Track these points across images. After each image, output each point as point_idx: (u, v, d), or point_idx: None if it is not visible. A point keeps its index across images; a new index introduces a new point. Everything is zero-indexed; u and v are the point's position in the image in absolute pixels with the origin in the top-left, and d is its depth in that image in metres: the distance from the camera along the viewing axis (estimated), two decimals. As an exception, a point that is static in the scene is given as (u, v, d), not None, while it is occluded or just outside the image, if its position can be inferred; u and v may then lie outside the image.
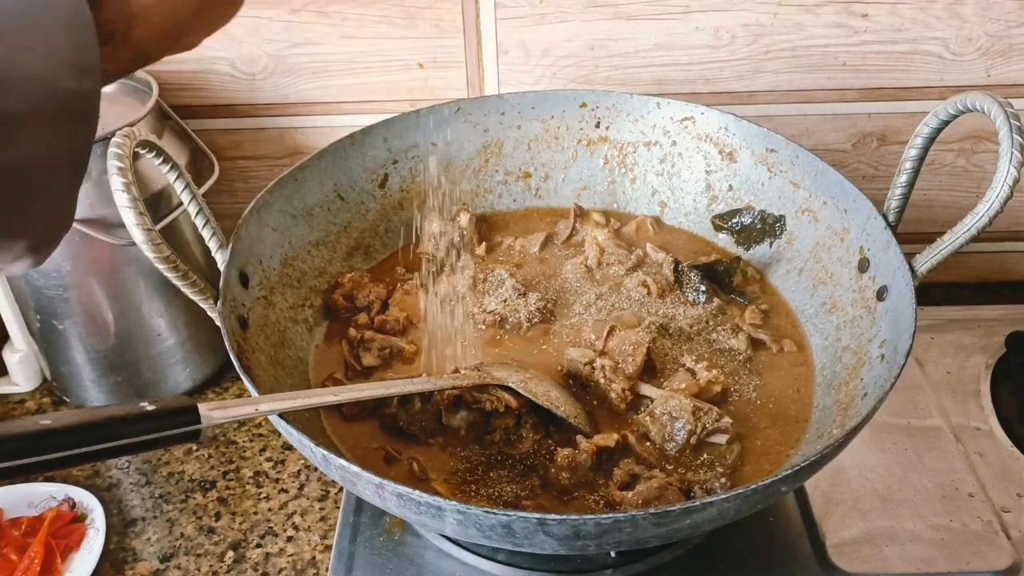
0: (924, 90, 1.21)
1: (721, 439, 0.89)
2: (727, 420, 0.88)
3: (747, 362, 0.98)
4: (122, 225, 0.80)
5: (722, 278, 1.06)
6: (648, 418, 0.90)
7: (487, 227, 1.17)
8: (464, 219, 1.12)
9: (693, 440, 0.88)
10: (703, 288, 1.03)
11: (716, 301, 1.04)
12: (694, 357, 0.96)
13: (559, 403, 0.89)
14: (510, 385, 0.89)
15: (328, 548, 1.00)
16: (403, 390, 0.88)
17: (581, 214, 1.16)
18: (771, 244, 1.09)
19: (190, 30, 0.60)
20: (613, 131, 1.16)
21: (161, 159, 0.86)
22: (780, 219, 1.08)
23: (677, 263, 1.05)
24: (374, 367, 0.98)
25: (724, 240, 1.13)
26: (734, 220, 1.12)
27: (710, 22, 1.16)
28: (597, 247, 1.10)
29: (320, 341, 1.03)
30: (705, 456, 0.88)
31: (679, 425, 0.87)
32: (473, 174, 1.17)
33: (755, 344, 1.00)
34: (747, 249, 1.11)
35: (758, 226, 1.10)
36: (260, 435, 1.14)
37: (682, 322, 1.01)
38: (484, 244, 1.13)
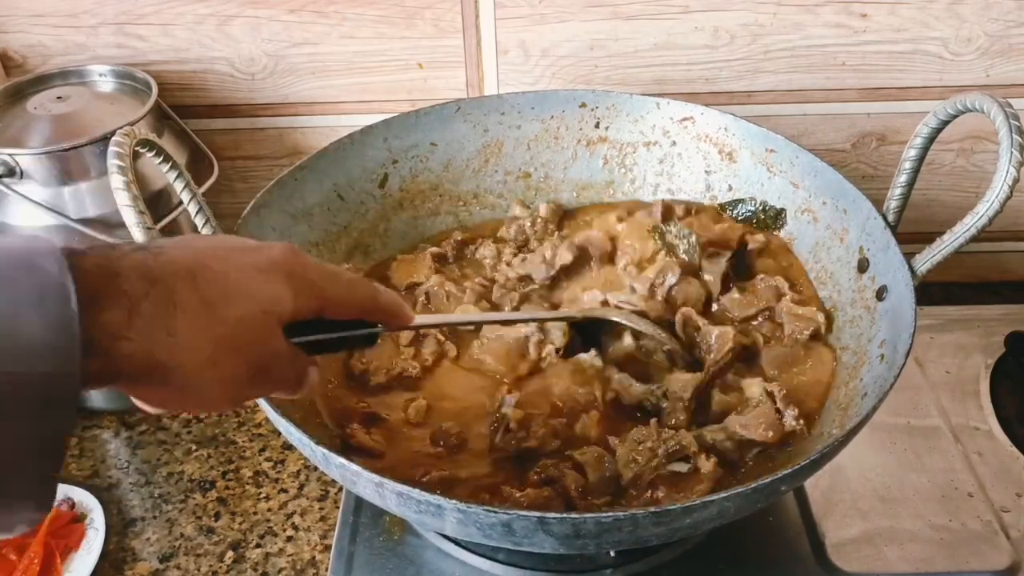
0: (924, 90, 1.21)
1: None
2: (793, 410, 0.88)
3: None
4: (122, 225, 0.80)
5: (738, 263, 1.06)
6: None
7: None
8: (544, 209, 1.13)
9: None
10: (693, 240, 1.03)
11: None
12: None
13: (662, 335, 0.95)
14: (613, 319, 0.95)
15: (328, 548, 1.00)
16: (486, 318, 0.98)
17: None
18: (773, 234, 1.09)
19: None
20: (613, 131, 1.16)
21: (161, 158, 0.86)
22: (781, 212, 1.08)
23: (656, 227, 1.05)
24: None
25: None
26: (736, 209, 1.12)
27: (709, 22, 1.16)
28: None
29: (320, 341, 1.03)
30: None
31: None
32: (473, 174, 1.17)
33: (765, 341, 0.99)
34: (750, 240, 1.11)
35: (760, 215, 1.10)
36: (260, 435, 1.14)
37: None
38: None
